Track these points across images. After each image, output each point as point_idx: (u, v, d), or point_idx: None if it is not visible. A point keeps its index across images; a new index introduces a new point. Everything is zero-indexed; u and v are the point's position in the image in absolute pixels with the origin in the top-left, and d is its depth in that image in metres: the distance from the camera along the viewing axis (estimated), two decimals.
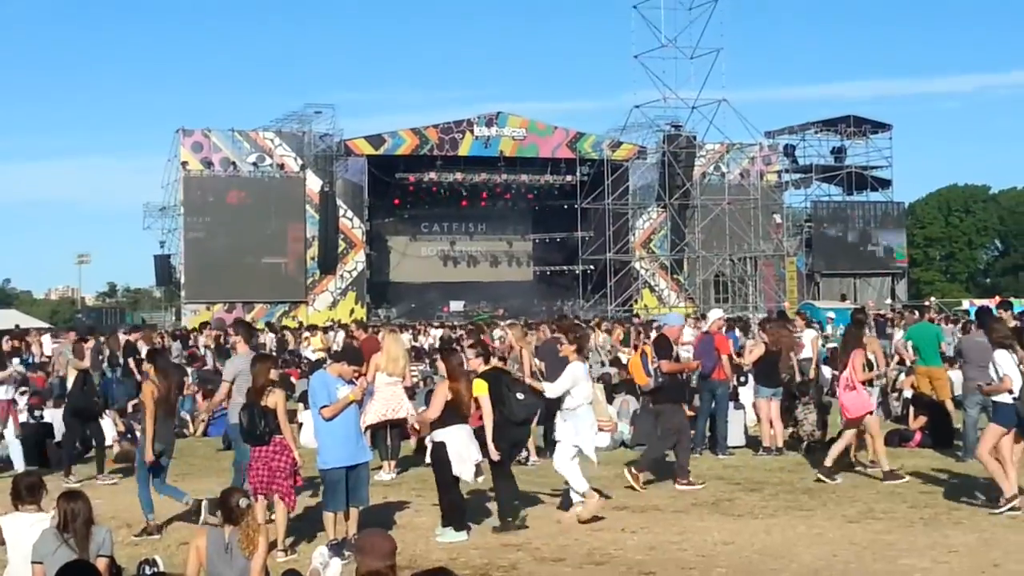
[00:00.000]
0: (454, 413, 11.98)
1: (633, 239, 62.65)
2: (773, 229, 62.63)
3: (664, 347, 15.37)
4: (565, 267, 66.22)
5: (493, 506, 12.84)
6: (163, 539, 11.96)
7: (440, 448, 11.95)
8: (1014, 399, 12.49)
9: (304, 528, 11.90)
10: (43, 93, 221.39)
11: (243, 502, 8.31)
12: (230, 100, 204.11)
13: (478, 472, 12.04)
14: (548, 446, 17.72)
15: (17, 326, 40.51)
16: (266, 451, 11.15)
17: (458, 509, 12.05)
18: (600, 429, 14.15)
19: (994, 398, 12.83)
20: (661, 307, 58.66)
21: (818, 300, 58.89)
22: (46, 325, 54.61)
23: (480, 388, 12.29)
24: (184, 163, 57.49)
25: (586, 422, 13.24)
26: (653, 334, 21.34)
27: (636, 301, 61.34)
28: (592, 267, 62.22)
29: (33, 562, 8.09)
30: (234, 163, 57.88)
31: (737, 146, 62.59)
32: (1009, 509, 12.37)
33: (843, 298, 60.65)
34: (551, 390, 13.24)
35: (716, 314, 19.26)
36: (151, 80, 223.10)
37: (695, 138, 61.24)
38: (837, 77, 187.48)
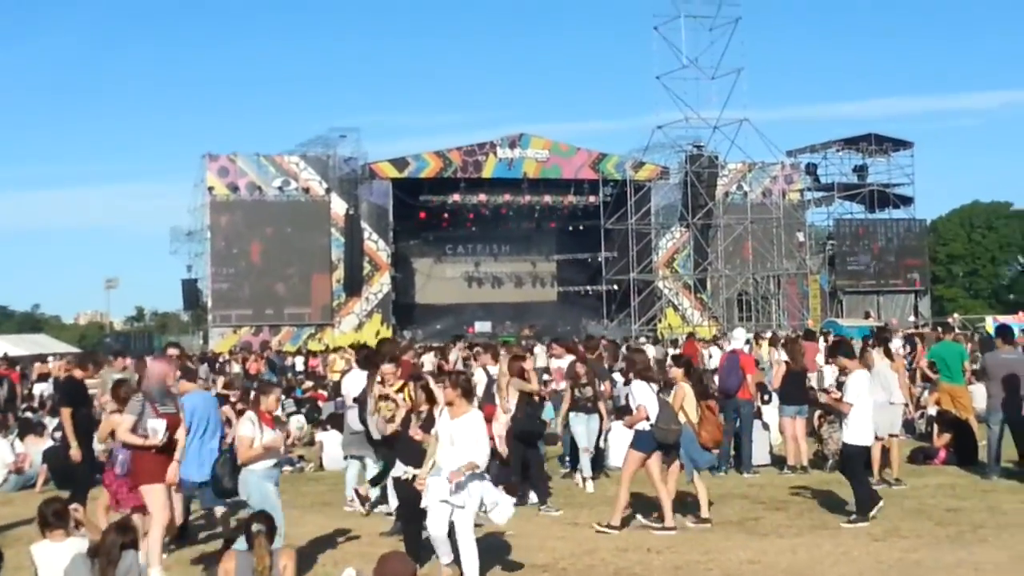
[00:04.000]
0: None
1: (656, 259, 62.61)
2: (796, 247, 62.50)
3: None
4: (589, 287, 66.13)
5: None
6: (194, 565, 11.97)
7: None
8: (651, 425, 12.90)
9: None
10: (71, 121, 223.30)
11: (256, 527, 8.37)
12: (255, 125, 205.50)
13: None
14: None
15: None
16: None
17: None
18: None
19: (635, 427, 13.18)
20: (685, 326, 58.49)
21: (842, 318, 58.69)
22: (74, 349, 54.75)
23: None
24: (210, 188, 57.88)
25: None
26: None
27: (660, 320, 61.21)
28: (616, 287, 62.18)
29: None
30: (260, 187, 58.21)
31: (759, 165, 62.58)
32: (661, 528, 12.94)
33: (867, 316, 60.44)
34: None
35: (741, 333, 19.23)
36: (177, 106, 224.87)
37: (717, 158, 61.17)
38: (858, 95, 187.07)
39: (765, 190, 63.87)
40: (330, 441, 19.31)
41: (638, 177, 61.74)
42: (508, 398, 15.49)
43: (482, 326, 62.96)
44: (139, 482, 10.89)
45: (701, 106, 56.31)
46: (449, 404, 10.65)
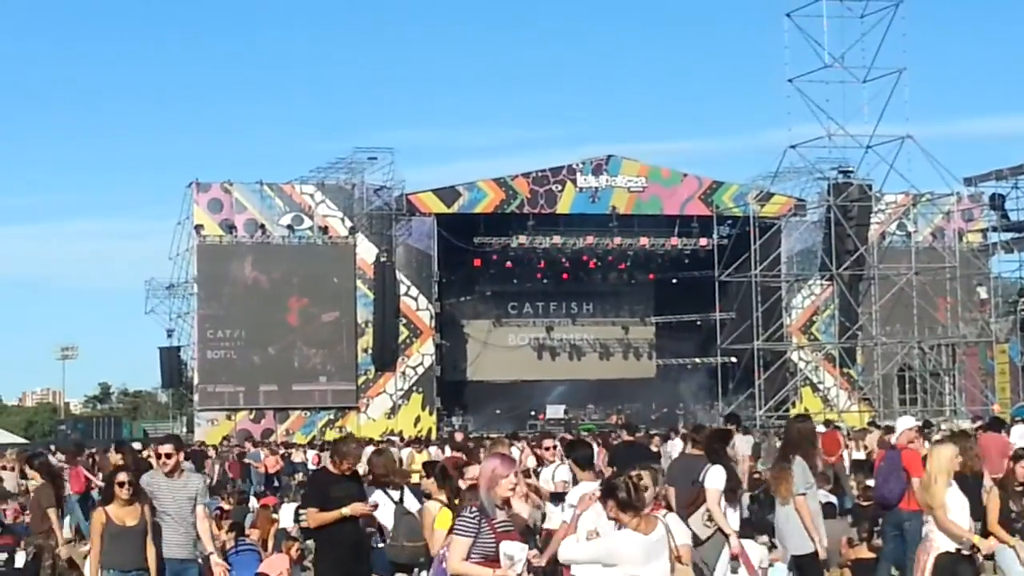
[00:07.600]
0: None
1: (789, 322, 62.47)
2: (977, 307, 61.87)
3: None
4: (699, 359, 66.02)
5: None
6: None
7: None
8: (383, 542, 13.59)
9: None
10: (14, 135, 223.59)
11: None
12: (257, 145, 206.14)
13: None
14: None
15: None
16: None
17: None
18: None
19: None
20: (827, 411, 57.95)
21: None
22: (19, 440, 55.20)
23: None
24: (198, 227, 58.33)
25: None
26: None
27: (794, 404, 60.65)
28: (734, 359, 61.91)
29: None
30: (263, 226, 58.67)
31: (927, 197, 62.09)
32: None
33: None
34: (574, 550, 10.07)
35: (906, 423, 19.02)
36: (157, 120, 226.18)
37: (870, 187, 60.76)
38: None
39: (935, 230, 63.52)
40: None
41: (764, 213, 61.67)
42: None
43: (556, 411, 62.72)
44: None
45: (849, 119, 55.96)
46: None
